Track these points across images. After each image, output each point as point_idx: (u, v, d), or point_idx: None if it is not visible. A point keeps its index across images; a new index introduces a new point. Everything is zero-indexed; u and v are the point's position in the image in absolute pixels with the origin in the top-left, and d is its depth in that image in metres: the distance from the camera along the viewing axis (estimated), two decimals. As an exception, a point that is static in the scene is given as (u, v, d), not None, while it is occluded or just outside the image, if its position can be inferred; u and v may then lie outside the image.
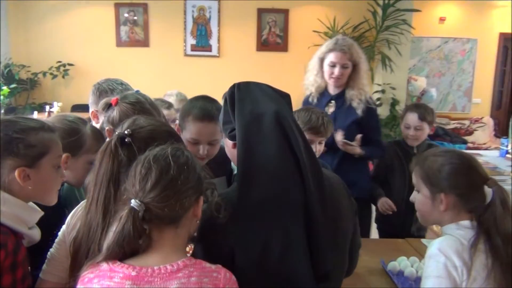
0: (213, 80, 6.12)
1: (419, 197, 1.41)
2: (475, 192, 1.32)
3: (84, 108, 5.95)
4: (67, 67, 5.95)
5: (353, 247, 1.28)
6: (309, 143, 2.01)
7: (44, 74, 5.92)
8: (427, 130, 2.53)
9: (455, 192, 1.33)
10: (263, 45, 6.19)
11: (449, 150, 1.49)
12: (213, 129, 1.68)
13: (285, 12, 6.11)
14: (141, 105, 1.57)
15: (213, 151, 1.73)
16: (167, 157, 0.97)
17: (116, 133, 1.10)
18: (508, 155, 4.09)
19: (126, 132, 1.09)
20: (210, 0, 6.05)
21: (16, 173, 1.06)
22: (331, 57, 2.48)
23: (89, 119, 1.90)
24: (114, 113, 1.56)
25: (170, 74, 6.18)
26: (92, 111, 1.93)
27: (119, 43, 6.14)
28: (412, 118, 2.51)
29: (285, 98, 1.23)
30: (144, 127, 1.14)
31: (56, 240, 1.21)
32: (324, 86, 2.59)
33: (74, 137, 1.43)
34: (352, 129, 2.46)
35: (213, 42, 6.16)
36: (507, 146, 4.26)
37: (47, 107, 4.97)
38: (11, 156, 1.06)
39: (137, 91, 1.81)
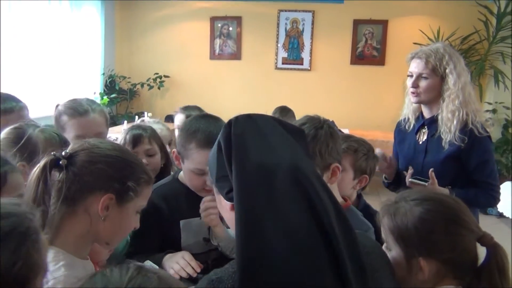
0: (304, 94, 5.95)
1: (390, 258, 1.03)
2: (465, 255, 0.98)
3: (176, 119, 6.19)
4: (163, 78, 6.18)
5: None
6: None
7: (142, 85, 6.20)
8: None
9: (439, 258, 0.98)
10: (358, 58, 5.86)
11: (429, 196, 1.07)
12: None
13: (384, 23, 5.73)
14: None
15: None
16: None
17: (52, 153, 0.96)
18: None
19: (63, 153, 0.95)
20: (304, 12, 5.89)
21: None
22: (409, 67, 1.95)
23: None
24: None
25: (261, 87, 6.12)
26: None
27: (213, 56, 6.23)
28: None
29: (299, 136, 0.87)
30: (86, 149, 0.97)
31: None
32: (419, 107, 2.03)
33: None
34: (448, 167, 1.84)
35: (305, 55, 5.98)
36: None
37: (137, 118, 5.13)
38: None
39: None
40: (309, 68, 5.99)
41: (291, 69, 6.04)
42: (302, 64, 6.00)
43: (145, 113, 5.47)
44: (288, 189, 0.75)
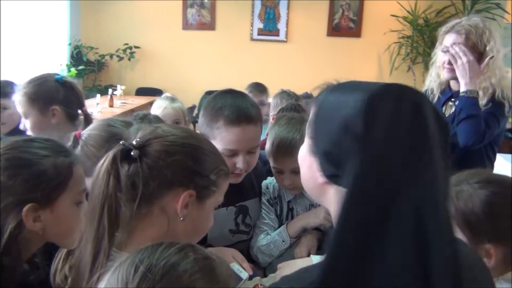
0: (280, 66, 5.86)
1: None
2: None
3: (148, 91, 5.95)
4: (134, 49, 5.90)
5: None
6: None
7: (111, 56, 5.92)
8: None
9: (507, 243, 0.94)
10: (334, 30, 5.79)
11: (492, 178, 1.01)
12: (253, 133, 1.30)
13: (361, -6, 5.66)
14: None
15: (253, 162, 1.35)
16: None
17: (121, 142, 0.83)
18: None
19: (134, 143, 0.82)
20: (280, -19, 5.74)
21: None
22: (444, 41, 1.87)
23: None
24: None
25: (236, 58, 5.97)
26: None
27: (186, 26, 6.00)
28: None
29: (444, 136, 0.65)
30: (160, 137, 0.84)
31: None
32: (447, 81, 1.98)
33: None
34: None
35: (281, 26, 5.85)
36: None
37: (110, 91, 4.91)
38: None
39: None
40: (285, 40, 5.88)
41: (267, 40, 5.91)
42: (278, 35, 5.87)
43: (118, 86, 5.25)
44: (404, 228, 0.58)
